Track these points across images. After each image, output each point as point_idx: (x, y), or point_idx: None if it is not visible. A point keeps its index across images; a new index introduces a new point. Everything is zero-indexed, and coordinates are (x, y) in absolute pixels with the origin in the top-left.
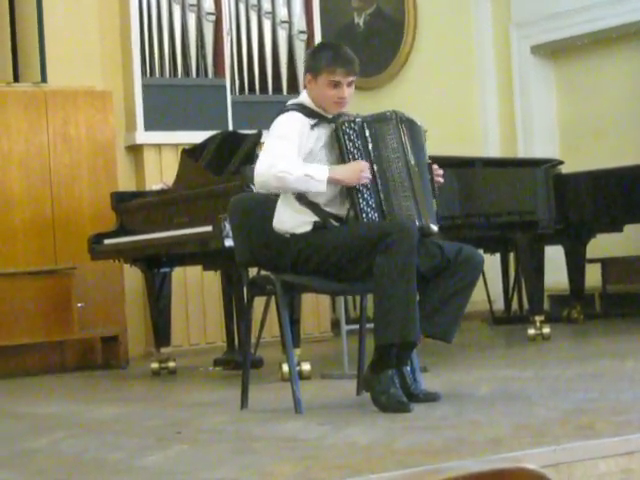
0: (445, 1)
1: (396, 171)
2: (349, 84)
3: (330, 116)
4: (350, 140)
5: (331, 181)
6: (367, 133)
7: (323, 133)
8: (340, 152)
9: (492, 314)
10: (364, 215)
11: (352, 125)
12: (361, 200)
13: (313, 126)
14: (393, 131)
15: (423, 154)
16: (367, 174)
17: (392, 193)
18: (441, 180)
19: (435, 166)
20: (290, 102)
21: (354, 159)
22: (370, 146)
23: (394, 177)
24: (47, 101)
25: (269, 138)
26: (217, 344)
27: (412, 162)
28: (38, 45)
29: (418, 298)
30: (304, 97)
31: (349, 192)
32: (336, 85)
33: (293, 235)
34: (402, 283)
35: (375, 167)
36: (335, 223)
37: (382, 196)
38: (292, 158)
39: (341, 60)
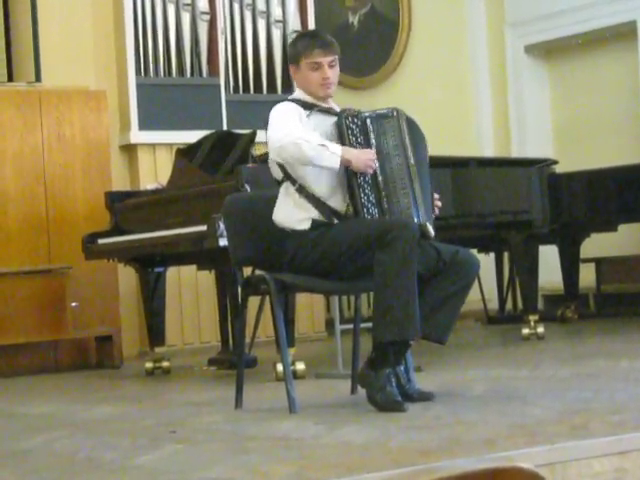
0: (439, 1)
1: (397, 168)
2: (331, 64)
3: (327, 105)
4: (353, 134)
5: (343, 159)
6: (370, 128)
7: (321, 122)
8: (342, 145)
9: (486, 314)
10: (365, 210)
11: (355, 120)
12: (362, 195)
13: (308, 115)
14: (395, 129)
15: (424, 156)
16: (374, 165)
17: (392, 190)
18: (437, 212)
19: (436, 195)
20: (289, 97)
21: None
22: (372, 141)
23: (394, 174)
24: (41, 101)
25: (271, 121)
26: (211, 344)
27: (412, 161)
28: (32, 45)
29: None
30: (297, 92)
31: (350, 186)
32: (317, 67)
33: (293, 231)
34: (402, 280)
35: (376, 163)
36: (334, 219)
37: (383, 193)
38: (304, 129)
39: (317, 42)
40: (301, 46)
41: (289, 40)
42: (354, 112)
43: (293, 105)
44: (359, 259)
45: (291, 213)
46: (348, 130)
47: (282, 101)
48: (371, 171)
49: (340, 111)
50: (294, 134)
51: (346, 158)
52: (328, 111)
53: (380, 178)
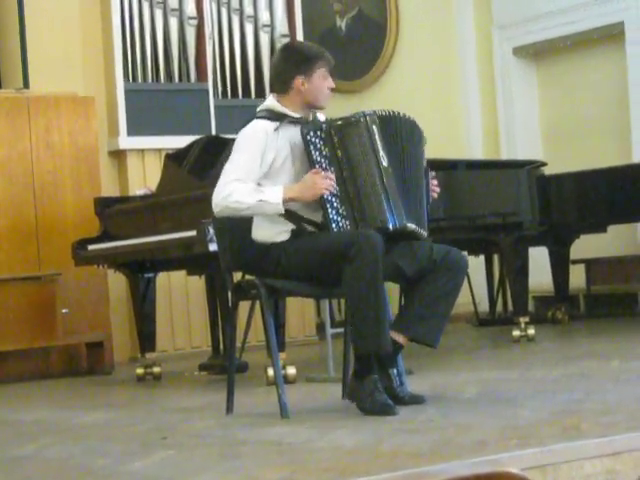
0: (427, 4)
1: (367, 175)
2: None
3: (297, 116)
4: (317, 149)
5: (288, 201)
6: (335, 139)
7: (290, 133)
8: (309, 162)
9: (477, 316)
10: (334, 225)
11: (319, 133)
12: (330, 209)
13: (276, 129)
14: (363, 134)
15: (410, 152)
16: (325, 184)
17: (363, 199)
18: (435, 195)
19: (433, 176)
20: (259, 108)
21: (322, 168)
22: (338, 152)
23: (365, 182)
24: (29, 107)
25: (232, 154)
26: (202, 349)
27: (384, 164)
28: (20, 51)
29: (403, 302)
30: (270, 101)
31: (319, 202)
32: (326, 77)
33: (273, 243)
34: (370, 294)
35: (344, 173)
36: (312, 229)
37: (354, 203)
38: (247, 183)
39: (322, 51)
40: (313, 55)
41: (277, 45)
42: (317, 125)
43: (261, 126)
44: (333, 268)
45: (269, 228)
46: (311, 145)
47: (256, 110)
48: (326, 192)
49: (301, 126)
50: (232, 196)
51: (290, 198)
52: (298, 121)
53: (350, 189)
